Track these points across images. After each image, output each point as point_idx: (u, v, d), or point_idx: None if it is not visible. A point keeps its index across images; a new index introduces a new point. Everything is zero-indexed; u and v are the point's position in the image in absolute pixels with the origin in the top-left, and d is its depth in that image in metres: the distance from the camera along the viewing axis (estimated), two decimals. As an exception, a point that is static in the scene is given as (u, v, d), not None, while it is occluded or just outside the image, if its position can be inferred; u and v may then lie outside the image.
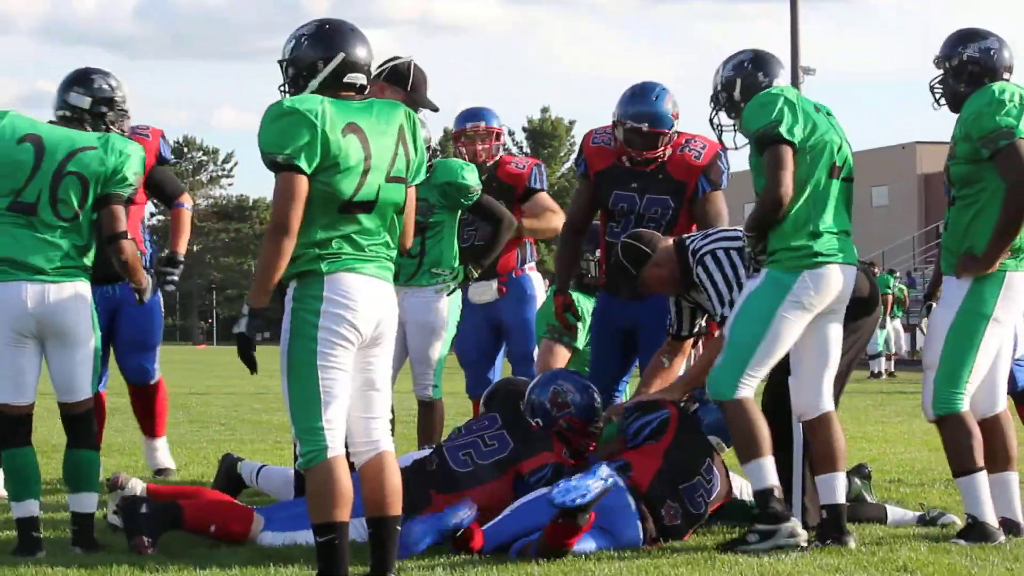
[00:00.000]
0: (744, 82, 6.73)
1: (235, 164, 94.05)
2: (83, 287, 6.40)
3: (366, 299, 5.36)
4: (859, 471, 7.73)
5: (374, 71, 6.04)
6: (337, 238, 5.37)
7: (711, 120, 6.91)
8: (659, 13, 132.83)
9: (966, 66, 6.64)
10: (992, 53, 6.65)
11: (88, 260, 6.44)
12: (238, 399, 18.54)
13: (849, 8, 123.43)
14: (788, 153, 6.34)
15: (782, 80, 6.78)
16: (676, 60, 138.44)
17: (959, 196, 6.60)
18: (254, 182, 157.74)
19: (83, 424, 6.51)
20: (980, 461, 6.54)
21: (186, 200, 9.06)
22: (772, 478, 6.36)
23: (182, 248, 9.00)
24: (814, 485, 6.77)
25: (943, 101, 6.74)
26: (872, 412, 16.14)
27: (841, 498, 6.45)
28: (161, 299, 9.03)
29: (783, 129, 6.34)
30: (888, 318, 27.93)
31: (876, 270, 29.69)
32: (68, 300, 6.35)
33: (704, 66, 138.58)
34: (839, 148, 6.48)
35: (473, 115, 9.03)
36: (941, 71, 6.73)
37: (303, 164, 5.26)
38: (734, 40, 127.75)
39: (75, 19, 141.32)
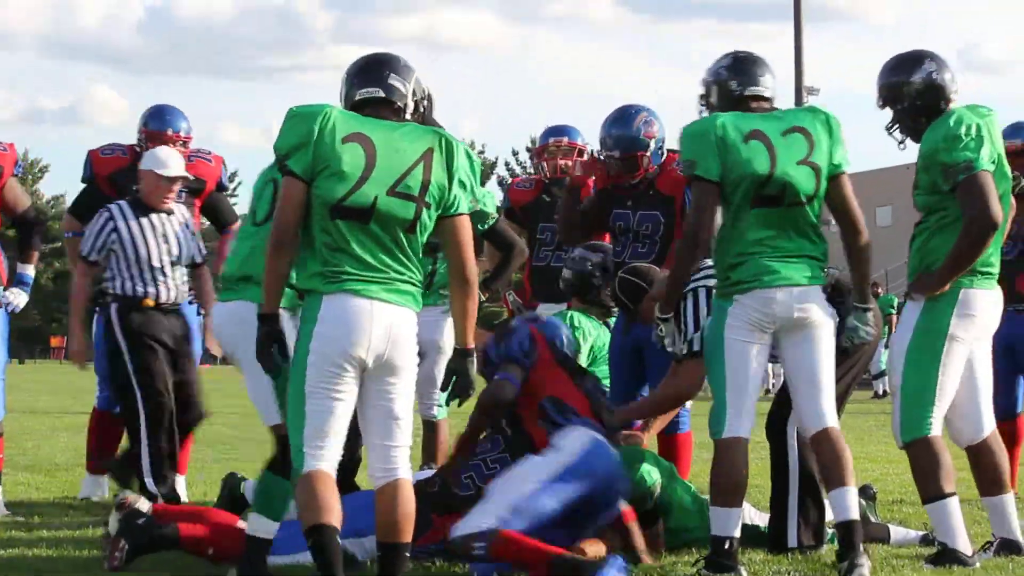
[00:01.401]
0: (720, 89, 6.57)
1: (239, 183, 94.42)
2: (241, 306, 6.11)
3: (365, 323, 5.36)
4: (864, 492, 7.73)
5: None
6: (337, 252, 5.40)
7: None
8: (663, 31, 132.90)
9: (915, 101, 6.60)
10: (933, 75, 6.61)
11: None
12: (241, 418, 18.51)
13: (852, 28, 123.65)
14: (706, 191, 6.28)
15: (765, 85, 6.55)
16: (680, 79, 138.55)
17: (923, 222, 6.58)
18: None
19: (280, 447, 6.13)
20: (949, 487, 6.45)
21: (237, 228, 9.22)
22: (732, 528, 6.26)
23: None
24: (810, 505, 6.81)
25: (905, 140, 6.70)
26: (875, 432, 16.15)
27: (851, 514, 6.30)
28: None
29: (700, 170, 6.28)
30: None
31: (880, 290, 29.67)
32: (224, 318, 6.29)
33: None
34: (769, 177, 6.27)
35: (557, 131, 9.24)
36: (892, 111, 6.67)
37: (294, 166, 5.42)
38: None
39: (77, 35, 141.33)
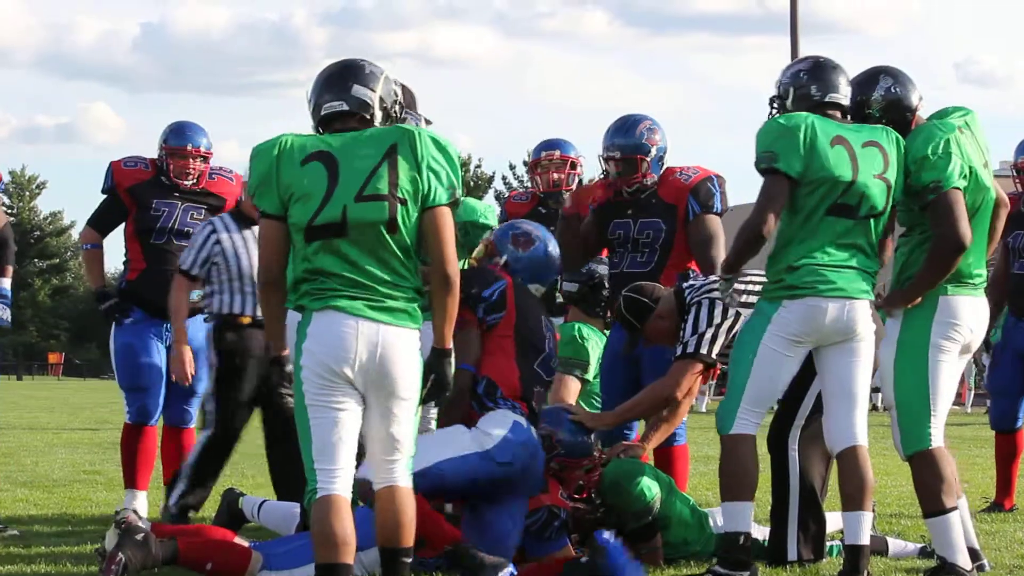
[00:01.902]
0: (797, 92, 6.50)
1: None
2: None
3: (349, 341, 5.32)
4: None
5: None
6: (320, 271, 5.38)
7: None
8: (658, 45, 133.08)
9: (880, 119, 6.54)
10: (892, 90, 6.58)
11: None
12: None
13: (852, 40, 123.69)
14: (780, 186, 6.23)
15: (843, 93, 6.50)
16: (675, 92, 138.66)
17: (906, 235, 6.53)
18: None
19: None
20: (950, 502, 6.37)
21: None
22: (745, 523, 6.28)
23: None
24: (810, 518, 6.79)
25: None
26: (872, 445, 16.01)
27: (862, 539, 6.28)
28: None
29: (780, 163, 6.23)
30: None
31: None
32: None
33: (703, 98, 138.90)
34: (851, 185, 6.25)
35: (549, 145, 9.29)
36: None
37: (260, 203, 5.44)
38: (733, 73, 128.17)
39: (74, 52, 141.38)
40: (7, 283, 8.53)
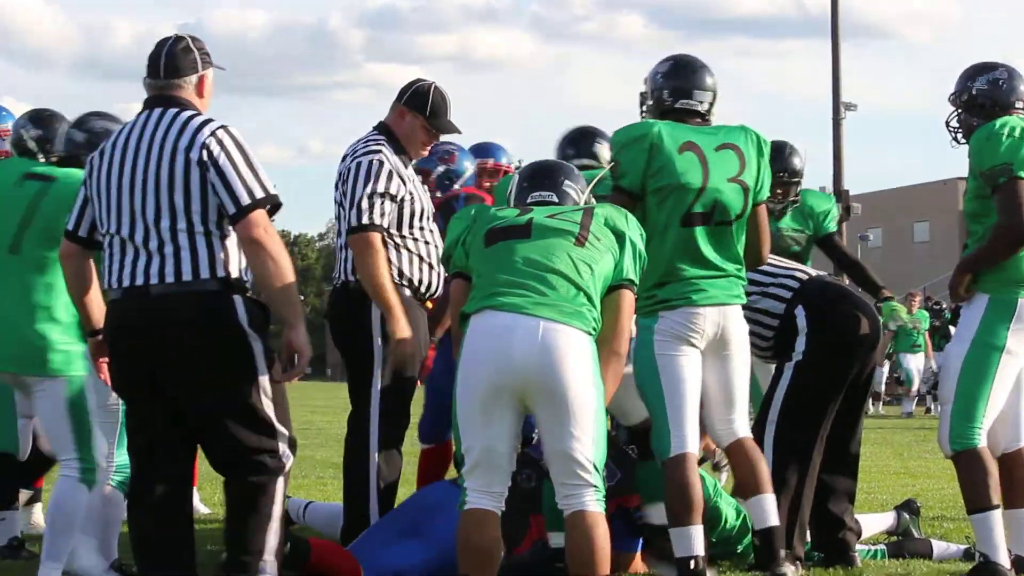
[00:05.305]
0: (653, 95, 6.32)
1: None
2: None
3: (503, 340, 5.19)
4: (908, 506, 7.73)
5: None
6: (484, 272, 5.42)
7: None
8: (698, 49, 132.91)
9: (975, 100, 6.46)
10: (1001, 84, 6.47)
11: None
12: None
13: (890, 45, 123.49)
14: (622, 202, 6.03)
15: (699, 99, 6.24)
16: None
17: (972, 231, 6.43)
18: (296, 219, 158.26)
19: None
20: (995, 499, 6.32)
21: None
22: (698, 547, 5.95)
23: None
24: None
25: (960, 138, 6.57)
26: (914, 447, 16.08)
27: (770, 520, 6.16)
28: None
29: (625, 180, 6.13)
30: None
31: (915, 304, 29.38)
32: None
33: (740, 102, 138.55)
34: (701, 192, 6.11)
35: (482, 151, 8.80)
36: (955, 108, 6.56)
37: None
38: (774, 76, 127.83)
39: (111, 55, 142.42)
40: None
